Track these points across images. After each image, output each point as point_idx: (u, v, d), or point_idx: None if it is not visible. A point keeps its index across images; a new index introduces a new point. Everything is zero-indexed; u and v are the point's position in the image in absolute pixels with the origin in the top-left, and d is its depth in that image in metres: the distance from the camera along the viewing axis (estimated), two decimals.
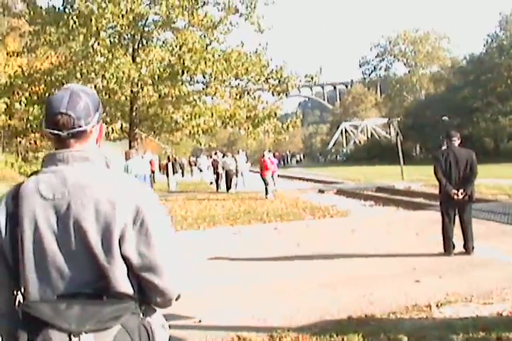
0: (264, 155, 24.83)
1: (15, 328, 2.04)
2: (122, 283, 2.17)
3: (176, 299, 2.33)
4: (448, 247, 10.15)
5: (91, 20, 19.98)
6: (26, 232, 2.17)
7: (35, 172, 2.30)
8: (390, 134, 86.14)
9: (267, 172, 23.79)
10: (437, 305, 6.85)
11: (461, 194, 9.88)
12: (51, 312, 2.01)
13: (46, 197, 2.18)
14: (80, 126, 2.25)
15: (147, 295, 2.26)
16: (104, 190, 2.19)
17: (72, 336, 1.97)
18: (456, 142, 10.27)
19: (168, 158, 37.48)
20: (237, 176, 30.44)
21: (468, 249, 10.10)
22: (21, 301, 2.13)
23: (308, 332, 6.01)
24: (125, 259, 2.17)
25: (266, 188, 23.79)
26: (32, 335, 1.98)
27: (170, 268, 2.25)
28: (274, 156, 25.49)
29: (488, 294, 7.23)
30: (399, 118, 57.62)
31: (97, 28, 20.21)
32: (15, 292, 2.16)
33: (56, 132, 2.25)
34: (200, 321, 6.62)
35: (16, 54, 24.42)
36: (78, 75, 20.49)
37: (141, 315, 2.20)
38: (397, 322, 6.32)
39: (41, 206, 2.17)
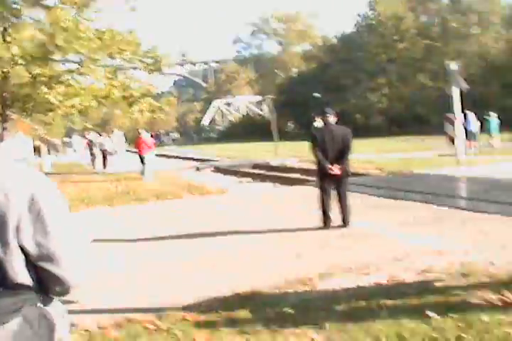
0: (140, 134, 24.49)
1: None
2: (20, 274, 2.11)
3: (76, 288, 2.26)
4: (326, 221, 10.43)
5: None
6: None
7: None
8: (263, 111, 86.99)
9: (145, 152, 23.50)
10: (319, 278, 7.06)
11: (337, 169, 10.17)
12: None
13: None
14: None
15: (46, 284, 2.20)
16: None
17: None
18: (332, 119, 10.53)
19: (41, 138, 36.60)
20: (113, 155, 30.12)
21: (346, 222, 10.42)
22: None
23: (196, 311, 6.08)
24: (22, 249, 2.11)
25: (144, 168, 23.53)
26: None
27: (69, 257, 2.18)
28: (151, 135, 25.23)
29: (366, 265, 7.50)
30: (272, 96, 58.31)
31: None
32: None
33: None
34: (84, 305, 6.55)
35: None
36: None
37: (41, 305, 2.14)
38: (282, 296, 6.47)
39: None
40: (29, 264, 2.13)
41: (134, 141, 25.60)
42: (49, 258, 2.13)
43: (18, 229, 2.07)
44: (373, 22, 70.14)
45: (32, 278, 2.14)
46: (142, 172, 23.39)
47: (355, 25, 74.94)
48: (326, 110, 10.67)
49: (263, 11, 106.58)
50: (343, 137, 10.31)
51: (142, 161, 23.60)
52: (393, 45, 67.60)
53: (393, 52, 67.83)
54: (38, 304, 2.12)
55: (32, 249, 2.10)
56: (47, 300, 2.21)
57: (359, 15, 73.98)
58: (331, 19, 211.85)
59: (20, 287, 2.10)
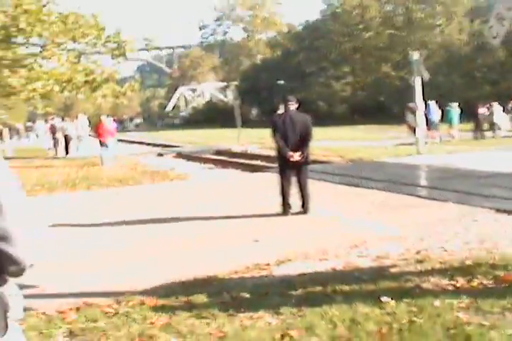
0: (102, 120, 24.28)
1: None
2: None
3: (30, 267, 2.27)
4: (286, 207, 10.52)
5: None
6: None
7: None
8: (227, 98, 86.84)
9: (106, 137, 23.33)
10: (277, 264, 7.14)
11: (298, 156, 10.25)
12: None
13: None
14: None
15: (0, 264, 2.20)
16: None
17: None
18: (293, 106, 10.60)
19: (4, 123, 36.26)
20: (77, 141, 29.91)
21: (305, 208, 10.52)
22: None
23: (155, 295, 6.12)
24: None
25: (105, 154, 23.38)
26: None
27: (22, 237, 2.19)
28: (114, 120, 25.03)
29: (323, 251, 7.59)
30: (236, 83, 58.27)
31: None
32: None
33: None
34: (43, 289, 6.57)
35: None
36: None
37: None
38: (239, 281, 6.54)
39: None
40: None
41: (96, 126, 25.37)
42: (3, 238, 2.13)
43: None
44: (339, 10, 70.20)
45: None
46: (102, 158, 23.21)
47: (321, 13, 75.00)
48: (287, 97, 10.74)
49: None
50: (303, 124, 10.38)
51: (101, 147, 23.39)
52: (358, 33, 67.77)
53: (358, 41, 68.06)
54: None
55: None
56: (1, 280, 2.22)
57: (325, 3, 74.00)
58: (296, 7, 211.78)
59: None
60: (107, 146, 23.15)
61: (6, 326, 2.15)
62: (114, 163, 22.80)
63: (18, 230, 2.17)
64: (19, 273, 2.26)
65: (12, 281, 2.32)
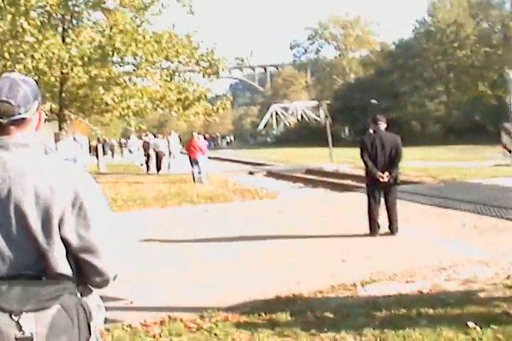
0: (193, 137, 24.47)
1: None
2: (61, 265, 2.26)
3: (114, 279, 2.43)
4: (373, 228, 10.44)
5: None
6: None
7: None
8: (319, 117, 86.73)
9: (198, 154, 23.60)
10: (362, 284, 7.09)
11: (387, 176, 10.18)
12: None
13: None
14: (20, 114, 2.31)
15: (85, 275, 2.36)
16: (43, 176, 2.26)
17: (13, 315, 2.07)
18: (383, 126, 10.55)
19: (98, 139, 37.17)
20: (169, 157, 30.35)
21: (393, 229, 10.41)
22: None
23: (238, 312, 6.17)
24: (64, 241, 2.26)
25: (198, 171, 23.47)
26: None
27: (107, 250, 2.34)
28: (205, 138, 25.27)
29: (410, 273, 7.50)
30: (328, 101, 58.24)
31: (26, 8, 19.81)
32: None
33: None
34: (131, 302, 6.71)
35: None
36: (6, 55, 20.08)
37: (79, 295, 2.28)
38: (323, 301, 6.53)
39: None
40: (70, 256, 2.30)
41: (187, 143, 25.55)
42: (89, 250, 2.30)
43: (61, 221, 2.25)
44: (432, 28, 69.39)
45: (72, 268, 2.31)
46: (194, 175, 23.39)
47: (414, 31, 74.26)
48: (377, 117, 10.71)
49: (321, 16, 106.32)
50: (393, 144, 10.31)
51: (192, 164, 23.60)
52: (452, 52, 66.83)
53: (452, 60, 67.10)
54: (77, 294, 2.27)
55: (73, 241, 2.27)
56: (86, 291, 2.39)
57: (417, 21, 73.23)
58: (389, 25, 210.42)
59: (60, 277, 2.25)
60: (197, 163, 23.29)
61: (89, 334, 2.25)
62: (206, 180, 22.94)
63: (103, 243, 2.33)
64: (103, 284, 2.42)
65: (96, 292, 2.48)
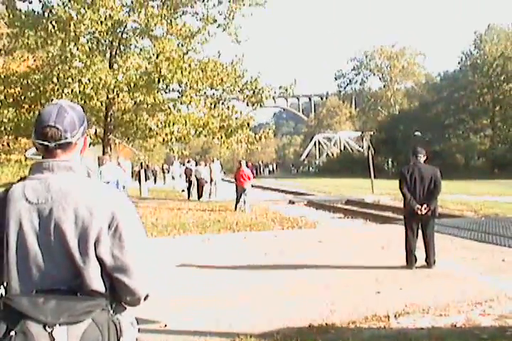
0: (241, 165, 24.62)
1: None
2: (95, 282, 2.40)
3: (145, 298, 2.55)
4: (410, 260, 10.41)
5: (69, 25, 20.02)
6: (11, 232, 2.41)
7: (23, 179, 2.55)
8: (362, 148, 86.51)
9: (246, 183, 23.41)
10: (395, 316, 7.07)
11: (425, 209, 10.16)
12: (30, 305, 2.24)
13: (31, 201, 2.43)
14: (66, 138, 2.51)
15: (118, 293, 2.48)
16: (84, 197, 2.43)
17: (47, 327, 2.20)
18: (422, 158, 10.57)
19: (141, 164, 37.57)
20: (211, 185, 30.46)
21: (429, 262, 10.36)
22: (3, 294, 2.37)
23: (270, 339, 6.21)
24: (99, 260, 2.41)
25: (243, 199, 23.25)
26: (11, 325, 2.20)
27: (140, 270, 2.47)
28: (247, 166, 25.20)
29: (445, 306, 7.46)
30: (372, 132, 58.02)
31: (76, 34, 20.25)
32: None
33: (44, 143, 2.50)
34: (165, 325, 6.78)
35: None
36: (55, 79, 20.47)
37: (112, 312, 2.40)
38: (356, 331, 6.53)
39: (26, 209, 2.42)
40: (104, 274, 2.44)
41: (235, 171, 25.37)
42: (123, 270, 2.44)
43: (97, 242, 2.40)
44: (478, 61, 68.94)
45: (106, 286, 2.44)
46: (238, 203, 23.30)
47: (459, 63, 73.82)
48: (416, 149, 10.73)
49: (366, 46, 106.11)
50: (432, 176, 10.31)
51: (238, 192, 23.48)
52: (499, 85, 66.30)
53: (498, 93, 66.54)
54: (109, 310, 2.40)
55: (108, 261, 2.42)
56: (119, 308, 2.52)
57: (463, 53, 72.82)
58: (435, 57, 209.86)
59: (94, 293, 2.40)
60: (244, 191, 23.23)
61: None
62: (248, 208, 22.92)
63: (136, 264, 2.46)
64: (135, 302, 2.55)
65: (129, 311, 2.60)
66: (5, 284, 2.41)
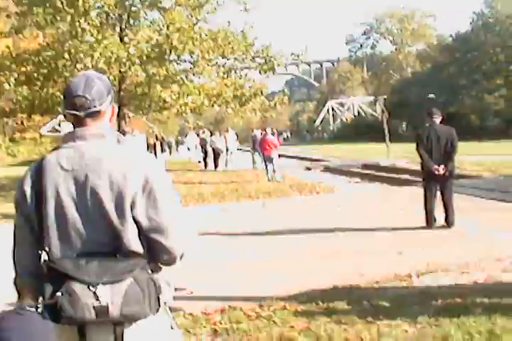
0: (266, 133, 24.36)
1: (40, 283, 2.40)
2: (133, 243, 2.52)
3: (180, 257, 2.66)
4: (430, 221, 10.50)
5: (78, 0, 19.97)
6: (49, 199, 2.53)
7: (56, 148, 2.66)
8: (376, 112, 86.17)
9: (273, 151, 23.15)
10: (418, 275, 7.18)
11: (443, 170, 10.21)
12: (73, 267, 2.38)
13: (66, 169, 2.54)
14: (95, 107, 2.62)
15: (155, 253, 2.60)
16: (117, 163, 2.54)
17: (90, 287, 2.34)
18: (438, 119, 10.59)
19: (156, 137, 37.62)
20: (226, 154, 30.49)
21: (449, 222, 10.44)
22: (46, 259, 2.48)
23: (296, 301, 6.33)
24: (136, 222, 2.52)
25: (272, 168, 22.98)
26: (56, 287, 2.34)
27: (175, 230, 2.59)
28: (272, 134, 24.89)
29: (465, 264, 7.56)
30: (385, 96, 57.86)
31: (85, 9, 20.17)
32: (39, 252, 2.51)
33: (75, 112, 2.61)
34: (192, 293, 6.91)
35: (3, 35, 24.40)
36: (66, 55, 20.42)
37: (150, 271, 2.54)
38: (379, 291, 6.65)
39: (62, 176, 2.54)
40: (141, 235, 2.56)
41: (260, 140, 25.03)
42: (159, 230, 2.56)
43: (133, 204, 2.52)
44: (490, 20, 68.15)
45: (143, 247, 2.57)
46: (268, 173, 23.07)
47: (471, 23, 72.93)
48: (432, 111, 10.75)
49: (376, 10, 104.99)
50: (448, 137, 10.34)
51: (265, 162, 23.39)
52: None
53: None
54: (148, 270, 2.54)
55: (144, 222, 2.54)
56: (156, 268, 2.65)
57: (475, 13, 71.91)
58: (446, 18, 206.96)
59: (133, 254, 2.52)
60: (271, 161, 23.02)
61: (159, 305, 2.52)
62: (280, 177, 22.62)
63: (171, 224, 2.58)
64: (171, 262, 2.68)
65: (166, 271, 2.73)
66: (47, 249, 2.52)
